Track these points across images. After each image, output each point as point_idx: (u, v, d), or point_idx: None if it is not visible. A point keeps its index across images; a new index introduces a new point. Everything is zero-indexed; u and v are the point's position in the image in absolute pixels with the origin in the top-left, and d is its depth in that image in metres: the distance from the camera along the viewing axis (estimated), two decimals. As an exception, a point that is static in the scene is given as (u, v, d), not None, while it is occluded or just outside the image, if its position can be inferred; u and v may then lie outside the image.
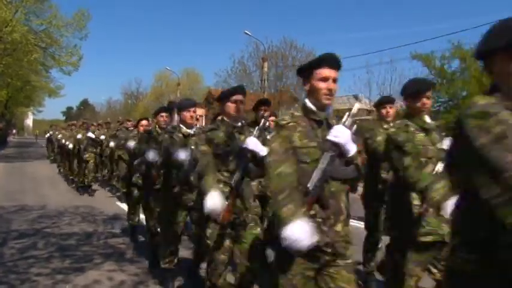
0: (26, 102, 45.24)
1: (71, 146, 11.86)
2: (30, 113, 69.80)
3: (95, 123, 13.23)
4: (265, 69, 26.60)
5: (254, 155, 3.11)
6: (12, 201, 9.17)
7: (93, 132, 11.34)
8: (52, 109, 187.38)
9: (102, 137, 11.55)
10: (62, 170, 15.23)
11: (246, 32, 27.18)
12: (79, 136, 11.35)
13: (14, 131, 68.36)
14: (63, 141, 13.49)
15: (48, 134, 23.43)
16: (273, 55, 28.27)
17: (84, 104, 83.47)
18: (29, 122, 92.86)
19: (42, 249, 5.64)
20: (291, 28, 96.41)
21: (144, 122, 6.66)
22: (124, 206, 9.12)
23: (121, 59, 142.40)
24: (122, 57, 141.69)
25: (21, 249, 5.61)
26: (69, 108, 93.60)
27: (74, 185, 11.79)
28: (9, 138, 48.06)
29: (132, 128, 9.19)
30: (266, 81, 26.80)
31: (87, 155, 10.93)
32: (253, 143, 3.11)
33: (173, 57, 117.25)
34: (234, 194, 3.13)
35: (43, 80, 30.21)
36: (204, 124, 8.25)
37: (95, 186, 11.75)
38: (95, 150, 11.32)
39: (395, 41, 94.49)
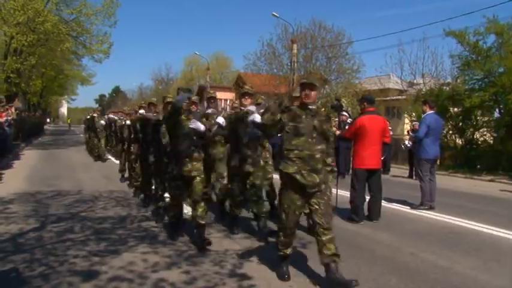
0: (59, 91, 46.63)
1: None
2: (64, 102, 71.76)
3: None
4: (295, 51, 26.25)
5: None
6: (49, 186, 9.43)
7: None
8: (85, 97, 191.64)
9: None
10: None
11: (274, 13, 26.93)
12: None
13: (48, 119, 70.14)
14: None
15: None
16: (301, 36, 27.86)
17: (116, 91, 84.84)
18: (64, 110, 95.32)
19: (79, 233, 5.77)
20: (319, 8, 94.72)
21: None
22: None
23: (150, 45, 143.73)
24: (151, 43, 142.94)
25: (59, 232, 5.76)
26: (102, 96, 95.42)
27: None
28: (45, 126, 49.33)
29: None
30: (296, 63, 26.49)
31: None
32: None
33: (202, 42, 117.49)
34: None
35: (75, 69, 30.90)
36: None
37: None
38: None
39: (428, 17, 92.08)
